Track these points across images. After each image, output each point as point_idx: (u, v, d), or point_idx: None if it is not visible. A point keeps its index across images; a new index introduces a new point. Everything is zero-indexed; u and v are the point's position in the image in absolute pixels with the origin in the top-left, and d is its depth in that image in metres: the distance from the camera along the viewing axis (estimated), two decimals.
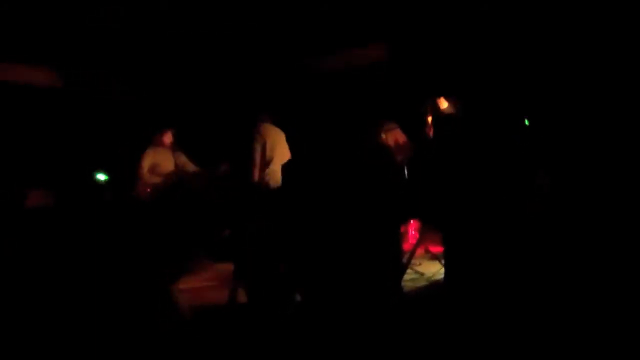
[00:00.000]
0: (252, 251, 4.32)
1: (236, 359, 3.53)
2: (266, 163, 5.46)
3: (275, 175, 5.40)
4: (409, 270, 5.16)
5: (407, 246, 5.68)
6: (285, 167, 4.13)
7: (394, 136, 5.34)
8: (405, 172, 4.80)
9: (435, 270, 5.13)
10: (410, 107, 6.12)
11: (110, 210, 5.62)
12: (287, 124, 5.56)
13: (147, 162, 6.17)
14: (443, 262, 4.87)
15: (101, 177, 6.11)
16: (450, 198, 3.64)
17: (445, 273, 3.92)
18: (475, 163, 3.62)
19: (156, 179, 6.08)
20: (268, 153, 5.45)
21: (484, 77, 4.47)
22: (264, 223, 4.29)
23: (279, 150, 5.55)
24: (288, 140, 5.58)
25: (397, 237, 3.87)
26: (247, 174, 5.41)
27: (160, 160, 6.22)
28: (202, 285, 5.32)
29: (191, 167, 6.32)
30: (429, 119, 5.28)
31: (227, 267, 5.31)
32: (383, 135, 5.11)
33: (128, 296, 4.35)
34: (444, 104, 5.28)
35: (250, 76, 6.52)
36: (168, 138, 6.31)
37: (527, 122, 4.03)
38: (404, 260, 4.87)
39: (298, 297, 4.09)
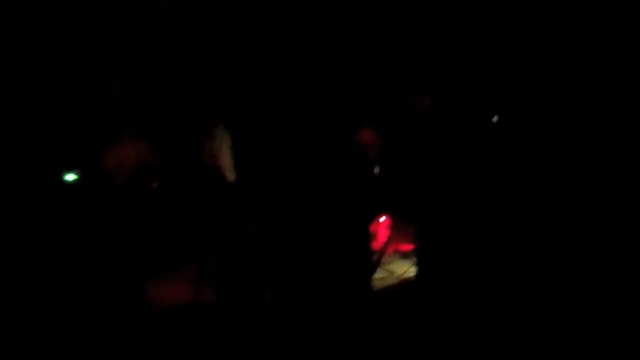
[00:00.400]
0: (220, 250, 4.25)
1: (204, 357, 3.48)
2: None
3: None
4: (378, 269, 5.16)
5: (376, 245, 5.66)
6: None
7: (363, 133, 5.31)
8: (376, 169, 4.79)
9: (405, 268, 5.12)
10: (381, 104, 6.10)
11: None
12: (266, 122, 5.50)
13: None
14: (413, 260, 4.87)
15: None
16: (425, 193, 3.64)
17: (417, 269, 3.91)
18: (454, 160, 3.61)
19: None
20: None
21: (462, 73, 4.46)
22: (234, 223, 4.22)
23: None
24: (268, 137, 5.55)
25: (367, 236, 3.85)
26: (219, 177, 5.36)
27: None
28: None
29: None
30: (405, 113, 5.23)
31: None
32: (354, 133, 5.07)
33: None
34: (425, 100, 5.24)
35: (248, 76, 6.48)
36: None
37: (495, 119, 4.04)
38: (374, 258, 4.86)
39: (268, 297, 4.04)
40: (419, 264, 3.91)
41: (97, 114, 6.03)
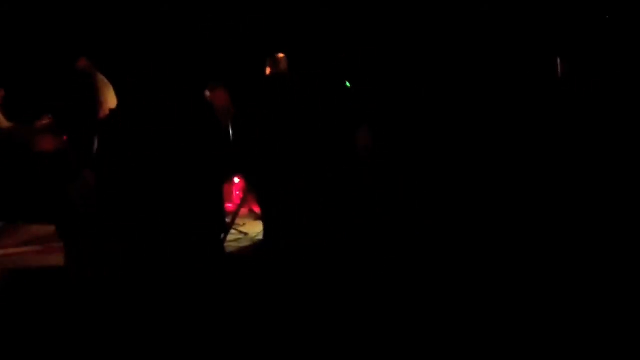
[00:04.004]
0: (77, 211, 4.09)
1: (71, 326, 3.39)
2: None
3: None
4: (232, 231, 5.19)
5: (231, 206, 5.68)
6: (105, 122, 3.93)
7: (218, 96, 5.26)
8: (230, 131, 4.79)
9: (259, 230, 5.18)
10: (236, 66, 6.07)
11: None
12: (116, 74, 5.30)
13: None
14: None
15: None
16: (270, 157, 3.68)
17: (264, 231, 3.98)
18: (299, 122, 3.67)
19: None
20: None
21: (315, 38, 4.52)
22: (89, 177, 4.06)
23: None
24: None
25: (220, 197, 3.85)
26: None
27: None
28: (22, 250, 5.01)
29: (4, 123, 5.90)
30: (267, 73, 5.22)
31: (45, 229, 5.08)
32: (207, 94, 5.02)
33: None
34: (283, 62, 5.24)
35: None
36: None
37: (348, 84, 4.14)
38: (228, 220, 4.87)
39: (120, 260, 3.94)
40: (265, 226, 3.99)
41: None
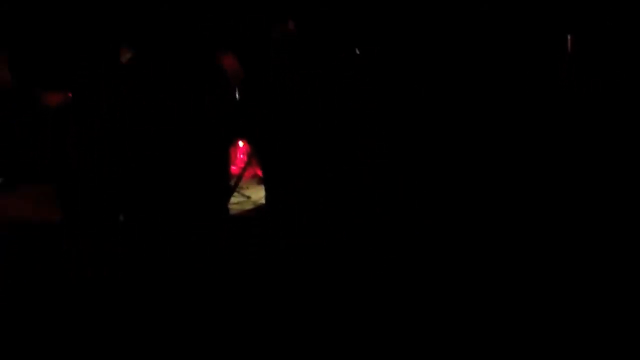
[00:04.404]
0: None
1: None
2: None
3: None
4: (236, 194, 5.23)
5: (235, 170, 5.71)
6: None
7: (226, 59, 5.25)
8: (237, 94, 4.79)
9: (262, 194, 5.21)
10: (246, 30, 6.03)
11: None
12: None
13: None
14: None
15: None
16: (272, 121, 3.69)
17: (266, 195, 4.01)
18: (299, 122, 3.65)
19: None
20: None
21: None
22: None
23: None
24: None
25: (225, 160, 3.87)
26: None
27: None
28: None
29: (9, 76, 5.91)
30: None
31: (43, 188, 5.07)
32: (216, 57, 5.00)
33: None
34: (290, 35, 5.19)
35: None
36: None
37: (357, 51, 4.11)
38: (232, 183, 4.90)
39: (122, 217, 3.98)
40: (267, 191, 4.02)
41: None
